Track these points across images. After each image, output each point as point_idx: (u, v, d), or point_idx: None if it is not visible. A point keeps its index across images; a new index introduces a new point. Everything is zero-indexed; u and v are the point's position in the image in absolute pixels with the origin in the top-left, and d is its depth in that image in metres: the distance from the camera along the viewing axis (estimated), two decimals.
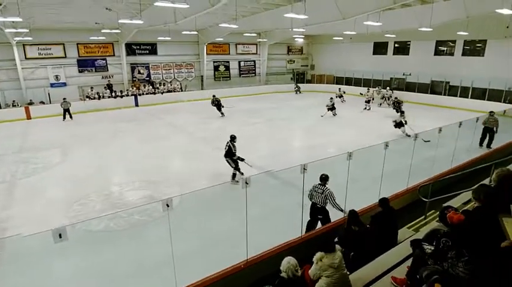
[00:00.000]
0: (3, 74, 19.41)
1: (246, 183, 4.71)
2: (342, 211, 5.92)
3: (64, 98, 17.89)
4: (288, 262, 3.58)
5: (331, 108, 17.78)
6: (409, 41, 24.16)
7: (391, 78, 24.89)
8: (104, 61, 22.80)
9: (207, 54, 26.19)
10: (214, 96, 18.05)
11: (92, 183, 9.17)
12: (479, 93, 19.87)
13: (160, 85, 24.55)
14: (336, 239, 5.06)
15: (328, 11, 14.53)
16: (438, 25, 16.51)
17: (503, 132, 11.65)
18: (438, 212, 4.49)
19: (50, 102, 20.12)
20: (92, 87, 21.60)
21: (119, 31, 20.53)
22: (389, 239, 5.09)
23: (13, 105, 19.01)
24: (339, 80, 28.94)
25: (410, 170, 7.58)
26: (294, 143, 14.22)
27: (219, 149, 12.17)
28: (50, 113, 18.64)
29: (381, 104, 21.25)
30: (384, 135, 11.76)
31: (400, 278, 3.86)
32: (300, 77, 32.00)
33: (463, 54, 21.43)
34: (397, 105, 17.45)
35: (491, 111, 11.57)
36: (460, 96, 20.77)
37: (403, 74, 24.11)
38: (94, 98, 21.10)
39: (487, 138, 11.42)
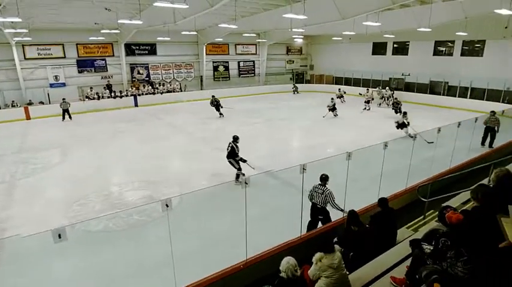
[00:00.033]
0: (3, 75, 19.42)
1: (246, 183, 4.72)
2: (341, 211, 5.93)
3: (63, 99, 17.88)
4: (287, 262, 3.58)
5: (332, 108, 17.67)
6: (408, 42, 24.19)
7: (390, 78, 24.91)
8: (103, 61, 22.81)
9: (206, 54, 26.20)
10: (213, 96, 18.06)
11: (91, 183, 9.17)
12: (478, 94, 19.89)
13: (159, 85, 24.56)
14: (335, 239, 5.08)
15: (328, 11, 14.55)
16: (437, 25, 16.56)
17: (502, 132, 11.66)
18: (437, 212, 4.50)
19: (50, 103, 20.11)
20: (91, 88, 21.60)
21: (118, 31, 20.51)
22: (389, 239, 5.10)
23: (12, 106, 19.01)
24: (338, 80, 28.95)
25: (410, 170, 7.59)
26: (294, 143, 14.23)
27: (218, 149, 12.19)
28: (49, 113, 18.63)
29: (380, 104, 21.27)
30: (383, 136, 11.77)
31: (400, 278, 3.87)
32: (299, 77, 32.01)
33: (461, 55, 21.47)
34: (396, 106, 17.48)
35: (492, 111, 11.60)
36: (459, 97, 20.80)
37: (402, 74, 24.14)
38: (93, 99, 21.10)
39: (489, 137, 11.45)
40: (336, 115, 17.70)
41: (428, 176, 8.00)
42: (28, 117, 18.46)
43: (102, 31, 19.33)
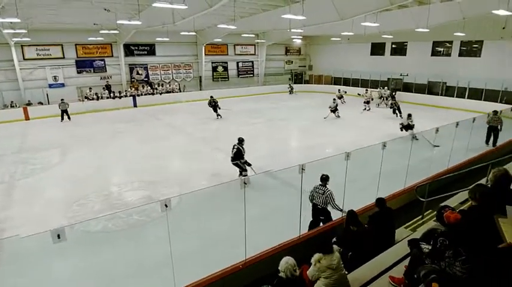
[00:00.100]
0: (2, 75, 19.40)
1: (245, 183, 4.74)
2: (341, 211, 5.96)
3: (62, 99, 17.86)
4: (286, 262, 3.58)
5: (334, 110, 17.51)
6: (406, 42, 24.26)
7: (388, 78, 24.97)
8: (102, 62, 22.80)
9: (205, 55, 26.21)
10: (212, 97, 18.00)
11: (90, 183, 9.17)
12: (476, 94, 19.96)
13: (158, 86, 24.55)
14: (334, 239, 5.09)
15: (326, 11, 14.58)
16: (435, 26, 16.60)
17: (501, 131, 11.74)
18: (435, 212, 4.52)
19: (49, 103, 20.10)
20: (90, 88, 21.59)
21: (117, 32, 20.51)
22: (387, 239, 5.12)
23: (11, 106, 18.98)
24: (336, 81, 29.01)
25: (408, 170, 7.62)
26: (293, 144, 14.26)
27: (218, 150, 12.26)
28: (48, 113, 18.59)
29: (379, 105, 21.31)
30: (382, 136, 11.78)
31: (398, 277, 3.88)
32: (298, 78, 32.05)
33: (459, 55, 21.56)
34: (394, 106, 17.48)
35: (494, 111, 11.71)
36: (456, 97, 20.86)
37: (401, 75, 24.20)
38: (92, 99, 21.09)
39: (492, 137, 11.57)
40: (338, 116, 17.55)
41: (426, 176, 8.03)
42: (27, 118, 18.44)
43: (101, 31, 19.32)
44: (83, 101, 20.86)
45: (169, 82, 25.60)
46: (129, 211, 7.39)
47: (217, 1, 12.47)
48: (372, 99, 20.67)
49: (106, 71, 23.01)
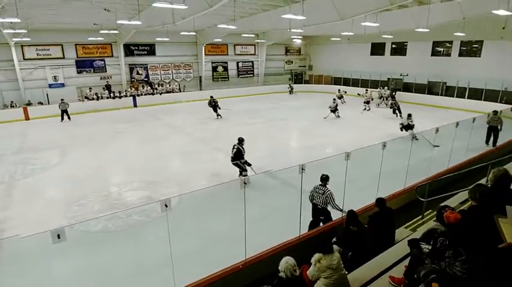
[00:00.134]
0: (2, 75, 19.41)
1: (245, 183, 4.73)
2: (341, 211, 5.96)
3: (62, 99, 17.86)
4: (286, 262, 3.58)
5: (334, 110, 17.43)
6: (406, 42, 24.27)
7: (388, 78, 24.98)
8: (102, 62, 22.81)
9: (205, 55, 26.22)
10: (212, 97, 17.98)
11: (90, 183, 9.17)
12: (476, 94, 19.96)
13: (158, 86, 24.56)
14: (334, 239, 5.09)
15: (326, 11, 14.59)
16: (435, 26, 16.60)
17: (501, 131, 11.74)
18: (435, 212, 4.52)
19: (49, 103, 20.11)
20: (90, 88, 21.60)
21: (117, 32, 20.52)
22: (387, 239, 5.12)
23: (11, 106, 18.98)
24: (336, 81, 29.01)
25: (408, 170, 7.62)
26: (293, 144, 14.26)
27: (218, 150, 12.26)
28: (48, 113, 18.58)
29: (378, 105, 21.31)
30: (382, 136, 11.78)
31: (398, 277, 3.88)
32: (298, 78, 32.05)
33: (459, 55, 21.57)
34: (394, 106, 17.47)
35: (494, 111, 11.75)
36: (456, 97, 20.86)
37: (401, 75, 24.20)
38: (92, 99, 21.10)
39: (492, 136, 11.61)
40: (338, 116, 17.51)
41: (426, 176, 8.03)
42: (27, 118, 18.44)
43: (101, 31, 19.33)
44: (83, 101, 20.87)
45: (169, 82, 25.61)
46: (129, 211, 7.38)
47: (217, 1, 12.48)
48: (372, 99, 20.67)
49: (106, 71, 23.02)
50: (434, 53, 23.03)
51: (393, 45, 25.50)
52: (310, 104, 22.80)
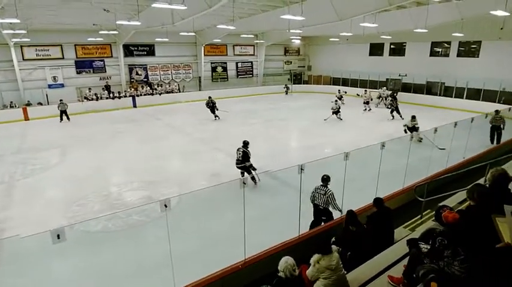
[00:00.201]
0: (1, 75, 19.41)
1: (244, 183, 4.75)
2: (340, 211, 5.98)
3: (61, 100, 17.84)
4: (285, 262, 3.60)
5: (336, 111, 17.03)
6: (405, 42, 24.31)
7: (387, 79, 25.01)
8: (102, 62, 22.81)
9: (204, 55, 26.24)
10: (210, 97, 17.83)
11: (90, 184, 9.17)
12: (474, 94, 20.01)
13: (158, 86, 24.55)
14: (333, 239, 5.12)
15: (325, 12, 14.62)
16: (433, 26, 16.67)
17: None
18: (434, 212, 4.55)
19: (48, 103, 20.08)
20: (89, 89, 21.58)
21: (117, 32, 20.55)
22: (386, 239, 5.14)
23: (11, 107, 18.97)
24: (335, 81, 29.03)
25: (407, 170, 7.65)
26: (293, 144, 14.28)
27: (217, 150, 12.28)
28: (48, 114, 18.53)
29: (377, 105, 21.33)
30: (382, 136, 11.78)
31: (397, 277, 3.90)
32: (297, 78, 32.06)
33: (458, 55, 21.61)
34: (392, 106, 17.46)
35: (496, 110, 11.95)
36: (455, 97, 20.91)
37: (399, 75, 24.25)
38: (92, 99, 21.08)
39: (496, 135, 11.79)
40: (340, 119, 17.04)
41: (425, 176, 8.06)
42: (27, 118, 18.42)
43: (101, 32, 19.33)
44: (82, 101, 20.86)
45: (168, 82, 25.61)
46: (128, 211, 7.39)
47: (217, 2, 12.50)
48: (372, 100, 20.69)
49: (105, 71, 23.01)
50: (432, 53, 23.08)
51: (392, 46, 25.53)
52: (309, 104, 22.83)
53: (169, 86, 25.26)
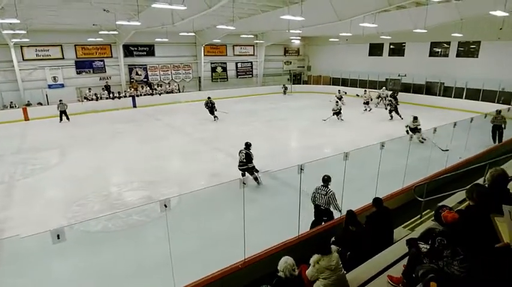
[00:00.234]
0: (1, 76, 19.41)
1: (244, 183, 4.76)
2: (339, 211, 5.99)
3: (60, 100, 17.81)
4: (285, 262, 3.61)
5: (338, 112, 16.82)
6: (404, 43, 24.34)
7: (386, 79, 25.03)
8: (102, 62, 22.81)
9: (204, 55, 26.25)
10: (209, 98, 17.71)
11: (90, 184, 9.18)
12: (474, 94, 20.03)
13: (158, 86, 24.56)
14: (333, 239, 5.12)
15: (325, 12, 14.63)
16: (433, 27, 16.68)
17: None
18: (433, 212, 4.56)
19: (48, 104, 20.07)
20: (89, 89, 21.59)
21: (117, 32, 20.55)
22: (386, 239, 5.15)
23: (11, 107, 18.98)
24: (335, 81, 29.05)
25: (406, 170, 7.66)
26: (293, 144, 14.29)
27: (217, 150, 12.28)
28: (48, 114, 18.52)
29: (377, 104, 21.34)
30: (382, 136, 11.73)
31: (397, 276, 3.91)
32: (296, 78, 32.07)
33: (457, 56, 21.63)
34: (390, 106, 17.46)
35: (498, 110, 12.04)
36: (454, 97, 20.92)
37: (399, 75, 24.26)
38: (92, 99, 21.09)
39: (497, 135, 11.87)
40: (341, 120, 16.88)
41: (424, 175, 8.07)
42: (27, 118, 18.43)
43: (101, 32, 19.33)
44: (82, 101, 20.86)
45: (168, 83, 25.62)
46: (128, 211, 7.40)
47: (216, 2, 12.51)
48: (371, 100, 20.70)
49: (105, 71, 23.01)
50: (432, 53, 23.10)
51: (391, 46, 25.56)
52: (309, 104, 22.84)
53: (169, 86, 25.27)
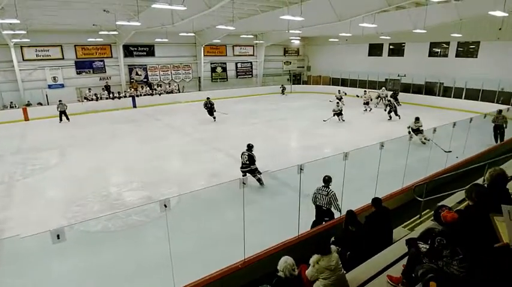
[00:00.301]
0: (1, 76, 19.42)
1: (244, 183, 4.76)
2: (339, 211, 5.99)
3: (60, 100, 17.79)
4: (285, 262, 3.61)
5: (339, 113, 16.69)
6: (404, 43, 24.35)
7: (386, 79, 25.05)
8: (102, 63, 22.82)
9: (204, 55, 26.26)
10: (208, 98, 17.60)
11: (90, 184, 9.18)
12: (473, 94, 20.04)
13: (158, 86, 24.57)
14: (333, 239, 5.13)
15: (324, 13, 14.65)
16: (432, 27, 16.70)
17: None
18: (433, 212, 4.56)
19: (48, 104, 20.08)
20: (89, 89, 21.60)
21: (117, 33, 20.56)
22: (385, 239, 5.16)
23: (11, 107, 18.98)
24: (335, 81, 29.06)
25: (406, 170, 7.67)
26: (293, 144, 14.29)
27: (217, 150, 12.28)
28: (47, 114, 18.52)
29: (377, 104, 21.34)
30: (381, 137, 11.70)
31: (396, 276, 3.91)
32: (296, 79, 32.09)
33: (456, 56, 21.63)
34: (389, 106, 17.45)
35: (499, 110, 12.06)
36: (453, 97, 20.93)
37: (398, 75, 24.28)
38: (92, 100, 21.09)
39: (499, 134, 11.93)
40: (342, 120, 16.71)
41: (424, 175, 8.08)
42: (26, 118, 18.43)
43: (101, 32, 19.36)
44: (82, 101, 20.86)
45: (168, 83, 25.63)
46: (128, 211, 7.40)
47: (216, 2, 12.52)
48: (371, 100, 20.71)
49: (105, 71, 23.02)
50: (431, 53, 23.12)
51: (391, 46, 25.57)
52: (309, 104, 22.85)
53: (169, 86, 25.28)
